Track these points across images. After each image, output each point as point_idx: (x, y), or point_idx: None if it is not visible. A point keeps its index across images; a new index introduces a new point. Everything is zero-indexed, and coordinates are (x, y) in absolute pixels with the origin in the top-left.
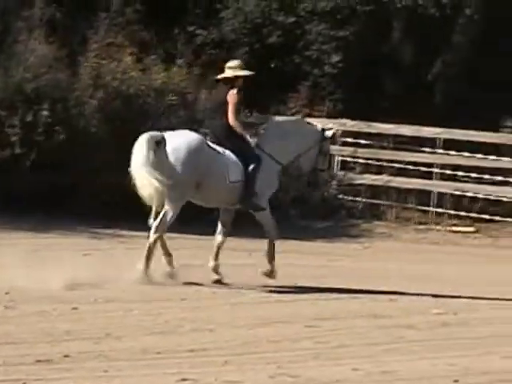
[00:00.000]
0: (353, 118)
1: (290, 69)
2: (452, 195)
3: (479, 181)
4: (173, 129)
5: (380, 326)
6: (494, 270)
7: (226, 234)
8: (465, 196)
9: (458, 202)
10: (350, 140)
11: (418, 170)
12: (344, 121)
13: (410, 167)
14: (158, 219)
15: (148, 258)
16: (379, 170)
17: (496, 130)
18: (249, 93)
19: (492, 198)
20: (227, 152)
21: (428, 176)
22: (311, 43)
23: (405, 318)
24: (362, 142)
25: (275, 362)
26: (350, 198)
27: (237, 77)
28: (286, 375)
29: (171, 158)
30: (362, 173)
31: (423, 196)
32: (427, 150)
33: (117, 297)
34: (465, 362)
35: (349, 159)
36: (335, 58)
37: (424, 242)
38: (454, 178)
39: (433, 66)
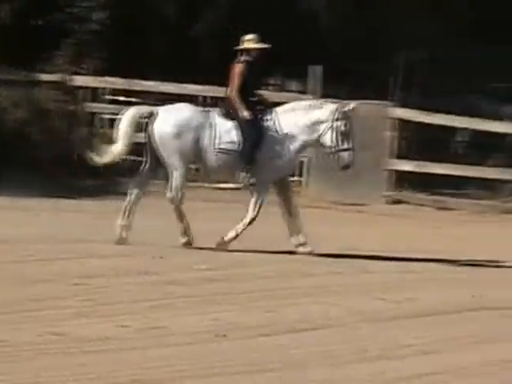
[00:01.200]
0: (118, 76)
1: (55, 26)
2: None
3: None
4: None
5: (148, 282)
6: (262, 226)
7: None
8: None
9: None
10: (115, 98)
11: None
12: (109, 79)
13: None
14: (168, 188)
15: (181, 219)
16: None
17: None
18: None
19: None
20: (227, 123)
21: None
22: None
23: (173, 274)
24: (129, 99)
25: (42, 320)
26: None
27: (249, 49)
28: (53, 333)
29: (162, 131)
30: None
31: None
32: None
33: None
34: (231, 316)
35: (115, 117)
36: (100, 15)
37: (195, 200)
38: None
39: (197, 22)
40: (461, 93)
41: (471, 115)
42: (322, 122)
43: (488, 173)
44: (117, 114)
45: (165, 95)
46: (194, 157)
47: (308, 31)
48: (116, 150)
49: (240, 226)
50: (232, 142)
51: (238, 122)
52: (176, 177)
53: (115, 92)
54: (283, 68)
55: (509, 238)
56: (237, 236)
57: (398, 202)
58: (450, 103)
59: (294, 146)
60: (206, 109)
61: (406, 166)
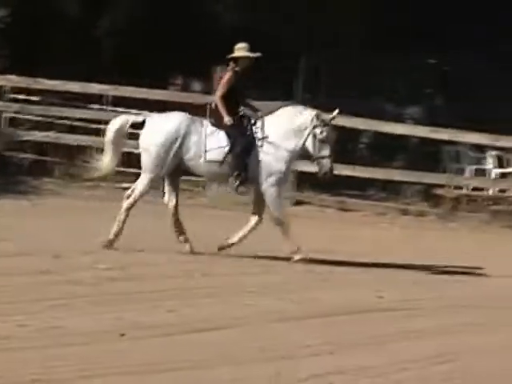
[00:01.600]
0: (21, 74)
1: None
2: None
3: None
4: None
5: (49, 281)
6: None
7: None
8: (132, 153)
9: (126, 159)
10: (18, 96)
11: (87, 127)
12: (10, 77)
13: (79, 124)
14: (132, 188)
15: (121, 225)
16: (48, 127)
17: (164, 87)
18: None
19: None
20: (215, 132)
21: (97, 133)
22: None
23: (73, 273)
24: (31, 98)
25: None
26: (18, 154)
27: (239, 58)
28: None
29: (148, 138)
30: (30, 129)
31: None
32: (96, 106)
33: None
34: (132, 316)
35: (17, 116)
36: (3, 13)
37: (92, 199)
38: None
39: (101, 22)
40: (366, 95)
41: (375, 117)
42: (304, 129)
43: (391, 174)
44: (19, 113)
45: (69, 94)
46: (180, 165)
47: (210, 31)
48: (103, 165)
49: (285, 237)
50: (221, 151)
51: (225, 130)
52: (143, 180)
53: (18, 90)
54: (186, 68)
55: (409, 239)
56: (293, 244)
57: (301, 203)
58: (356, 105)
59: (284, 152)
60: (196, 117)
61: (309, 167)
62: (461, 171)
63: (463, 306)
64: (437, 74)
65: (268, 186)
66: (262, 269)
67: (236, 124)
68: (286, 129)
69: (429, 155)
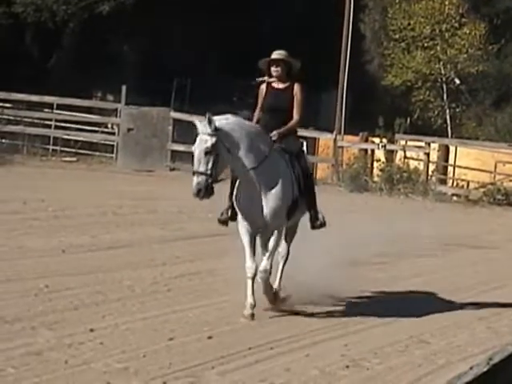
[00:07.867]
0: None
1: None
2: (62, 139)
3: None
4: None
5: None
6: (87, 186)
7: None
8: (70, 139)
9: (66, 142)
10: None
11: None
12: None
13: (36, 121)
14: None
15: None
16: (17, 123)
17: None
18: None
19: (87, 140)
20: None
21: (48, 126)
22: None
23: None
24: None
25: None
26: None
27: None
28: None
29: None
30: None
31: (45, 139)
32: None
33: None
34: None
35: None
36: None
37: (46, 167)
38: (64, 128)
39: None
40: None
41: None
42: None
43: None
44: None
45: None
46: None
47: None
48: None
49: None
50: None
51: None
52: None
53: None
54: None
55: None
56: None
57: (174, 169)
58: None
59: None
60: None
61: (180, 147)
62: None
63: None
64: None
65: None
66: None
67: None
68: None
69: None
